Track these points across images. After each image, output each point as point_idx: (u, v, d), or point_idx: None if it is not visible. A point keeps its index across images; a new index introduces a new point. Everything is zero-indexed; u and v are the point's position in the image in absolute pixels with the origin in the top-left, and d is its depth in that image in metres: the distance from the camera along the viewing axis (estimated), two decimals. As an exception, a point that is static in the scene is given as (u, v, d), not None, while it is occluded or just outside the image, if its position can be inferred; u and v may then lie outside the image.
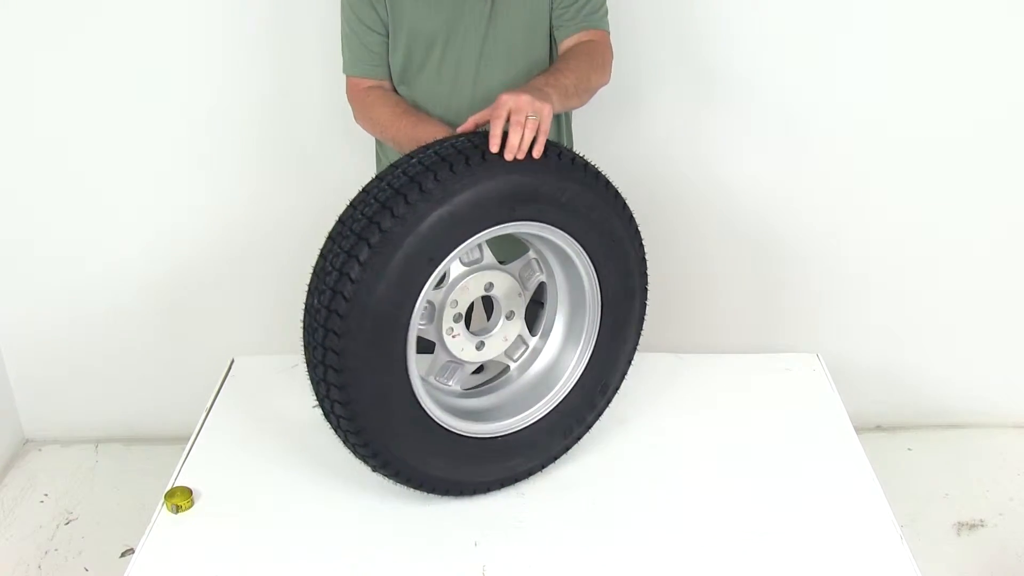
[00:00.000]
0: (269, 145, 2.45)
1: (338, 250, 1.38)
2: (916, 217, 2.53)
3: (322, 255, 1.41)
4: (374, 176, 1.45)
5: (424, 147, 1.46)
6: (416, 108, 1.83)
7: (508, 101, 1.45)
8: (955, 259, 2.58)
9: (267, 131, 2.43)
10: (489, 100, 1.63)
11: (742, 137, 2.44)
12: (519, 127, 1.42)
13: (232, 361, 2.08)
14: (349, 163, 2.39)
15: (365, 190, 1.42)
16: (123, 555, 2.35)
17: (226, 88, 2.39)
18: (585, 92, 1.74)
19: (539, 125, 1.43)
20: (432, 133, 1.65)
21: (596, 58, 1.78)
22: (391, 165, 1.44)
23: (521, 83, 1.74)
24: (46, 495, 2.62)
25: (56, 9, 2.27)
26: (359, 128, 1.90)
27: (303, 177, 2.48)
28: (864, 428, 2.42)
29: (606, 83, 1.82)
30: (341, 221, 1.41)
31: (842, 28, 2.30)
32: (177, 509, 1.62)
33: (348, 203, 1.43)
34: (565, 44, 1.82)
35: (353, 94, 1.87)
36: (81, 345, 2.70)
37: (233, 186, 2.50)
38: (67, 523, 2.51)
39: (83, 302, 2.64)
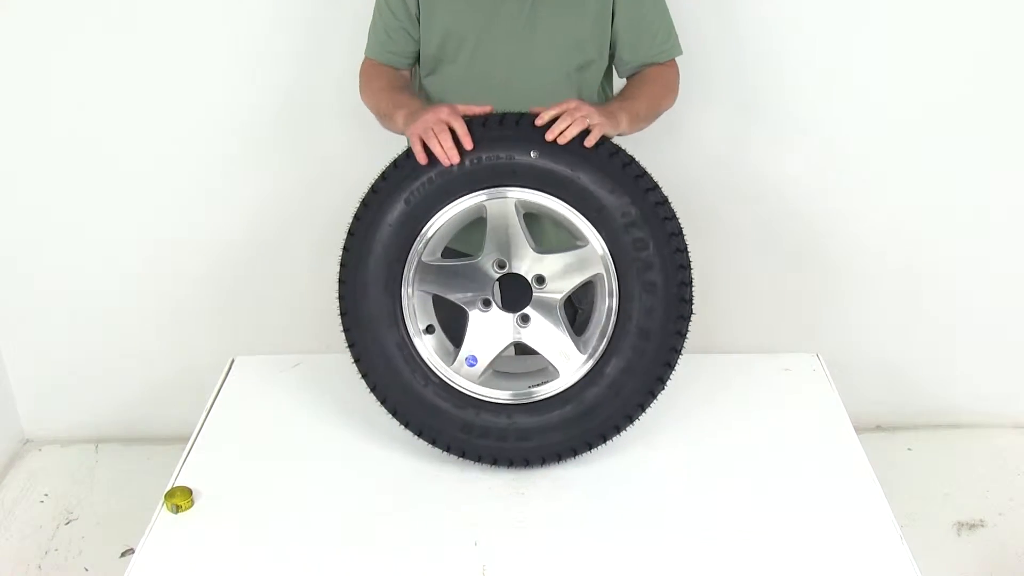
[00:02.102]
0: (270, 146, 2.45)
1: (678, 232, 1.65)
2: (917, 217, 2.53)
3: (686, 246, 1.65)
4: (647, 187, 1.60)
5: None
6: (412, 89, 1.87)
7: (573, 101, 1.60)
8: (955, 259, 2.58)
9: (270, 133, 2.43)
10: (518, 105, 1.66)
11: (742, 139, 2.44)
12: (568, 118, 1.57)
13: (232, 361, 2.08)
14: (353, 166, 2.38)
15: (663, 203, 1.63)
16: (123, 555, 2.35)
17: (231, 90, 2.38)
18: (654, 117, 1.83)
19: (589, 127, 1.57)
20: (410, 103, 1.71)
21: (668, 84, 1.87)
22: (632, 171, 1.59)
23: (555, 94, 1.77)
24: (46, 495, 2.62)
25: (69, 9, 2.27)
26: (369, 132, 1.92)
27: (304, 178, 2.48)
28: (864, 428, 2.41)
29: (672, 106, 1.89)
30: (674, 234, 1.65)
31: (847, 29, 2.30)
32: (177, 509, 1.62)
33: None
34: (636, 73, 1.88)
35: (364, 68, 1.91)
36: (81, 345, 2.70)
37: (234, 187, 2.50)
38: (67, 523, 2.51)
39: (83, 302, 2.64)
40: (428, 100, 1.89)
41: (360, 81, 1.90)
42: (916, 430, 2.79)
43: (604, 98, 1.92)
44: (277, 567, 1.52)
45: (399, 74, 1.89)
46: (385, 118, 1.78)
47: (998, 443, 2.74)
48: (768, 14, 2.29)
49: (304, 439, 1.83)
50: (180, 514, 1.62)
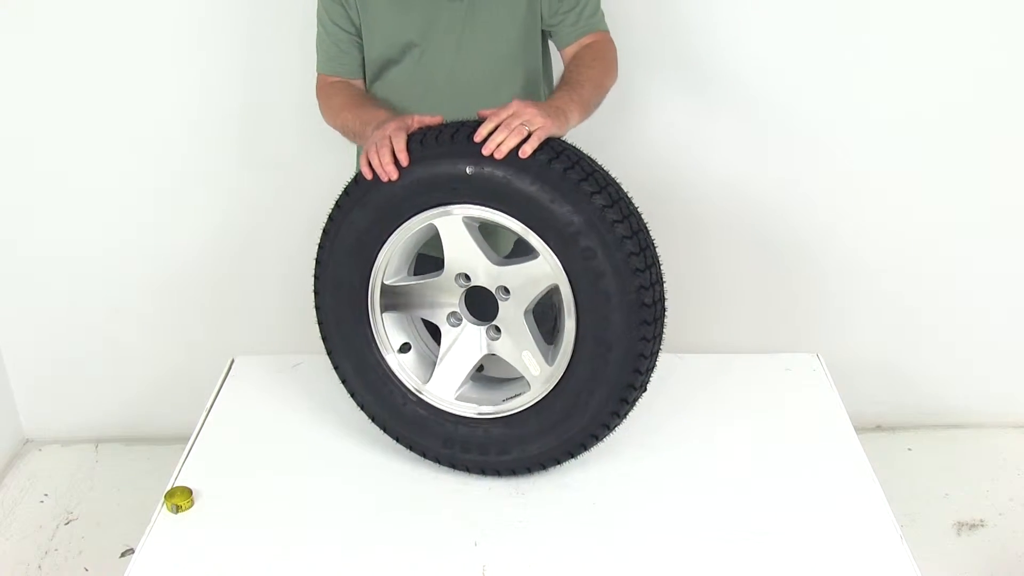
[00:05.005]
0: (269, 144, 2.45)
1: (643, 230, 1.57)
2: (916, 217, 2.53)
3: (646, 246, 1.55)
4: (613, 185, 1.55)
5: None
6: (375, 99, 1.85)
7: (514, 106, 1.54)
8: (955, 259, 2.58)
9: (267, 130, 2.43)
10: (464, 98, 1.67)
11: (741, 137, 2.44)
12: (505, 130, 1.50)
13: (232, 361, 2.08)
14: (350, 162, 2.39)
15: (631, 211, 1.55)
16: (123, 555, 2.35)
17: (224, 86, 2.38)
18: (602, 97, 1.80)
19: (529, 134, 1.50)
20: (376, 116, 1.68)
21: (607, 60, 1.83)
22: (580, 167, 1.51)
23: (499, 82, 1.79)
24: (46, 495, 2.62)
25: (57, 13, 2.27)
26: None
27: (303, 176, 2.48)
28: (864, 428, 2.42)
29: (616, 80, 1.86)
30: (627, 236, 1.52)
31: (840, 28, 2.30)
32: (177, 509, 1.62)
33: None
34: (568, 51, 1.86)
35: (319, 89, 1.91)
36: (81, 345, 2.70)
37: (233, 186, 2.50)
38: (67, 523, 2.51)
39: (83, 302, 2.64)
40: (388, 106, 1.88)
41: (319, 103, 1.89)
42: (916, 430, 2.79)
43: (547, 71, 1.93)
44: (277, 567, 1.52)
45: (355, 87, 1.88)
46: (356, 136, 1.77)
47: (998, 443, 2.74)
48: (760, 13, 2.30)
49: (304, 439, 1.83)
50: (180, 514, 1.62)
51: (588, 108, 1.72)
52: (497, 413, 1.67)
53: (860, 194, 2.50)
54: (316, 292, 1.72)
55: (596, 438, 1.65)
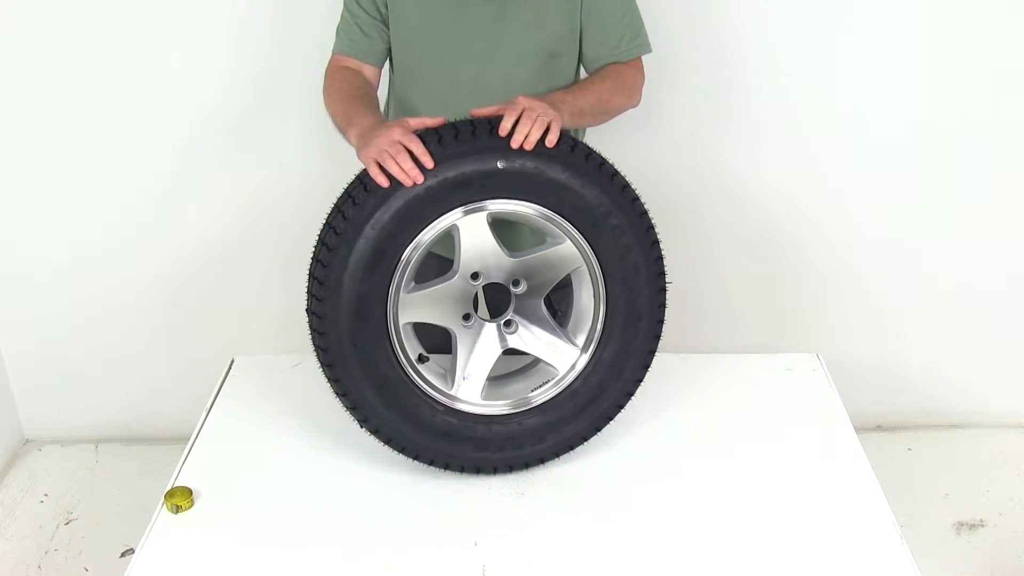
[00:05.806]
0: (268, 143, 2.45)
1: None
2: (916, 217, 2.53)
3: (650, 225, 1.65)
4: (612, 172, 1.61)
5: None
6: (370, 100, 1.79)
7: (523, 101, 1.56)
8: (955, 259, 2.58)
9: (266, 129, 2.43)
10: (488, 103, 1.64)
11: (743, 138, 2.44)
12: (528, 122, 1.54)
13: (232, 361, 2.08)
14: (350, 162, 2.39)
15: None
16: (123, 555, 2.35)
17: (223, 86, 2.38)
18: (603, 114, 1.79)
19: (549, 125, 1.55)
20: (362, 120, 1.65)
21: (623, 82, 1.81)
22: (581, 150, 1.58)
23: (525, 91, 1.75)
24: (46, 495, 2.62)
25: (56, 14, 2.27)
26: None
27: (303, 177, 2.48)
28: (864, 428, 2.41)
29: (634, 106, 1.86)
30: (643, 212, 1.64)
31: (841, 30, 2.31)
32: (177, 509, 1.62)
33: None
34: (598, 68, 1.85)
35: (329, 70, 1.86)
36: (81, 345, 2.70)
37: (233, 185, 2.50)
38: (67, 523, 2.51)
39: (83, 302, 2.64)
40: (399, 102, 1.88)
41: (324, 83, 1.84)
42: (916, 430, 2.79)
43: None
44: (277, 567, 1.52)
45: (362, 77, 1.83)
46: (340, 131, 1.73)
47: (998, 443, 2.74)
48: (761, 16, 2.30)
49: (304, 439, 1.83)
50: (180, 514, 1.62)
51: (581, 115, 1.71)
52: (530, 404, 1.69)
53: (861, 194, 2.50)
54: (318, 316, 1.57)
55: (620, 407, 1.73)
